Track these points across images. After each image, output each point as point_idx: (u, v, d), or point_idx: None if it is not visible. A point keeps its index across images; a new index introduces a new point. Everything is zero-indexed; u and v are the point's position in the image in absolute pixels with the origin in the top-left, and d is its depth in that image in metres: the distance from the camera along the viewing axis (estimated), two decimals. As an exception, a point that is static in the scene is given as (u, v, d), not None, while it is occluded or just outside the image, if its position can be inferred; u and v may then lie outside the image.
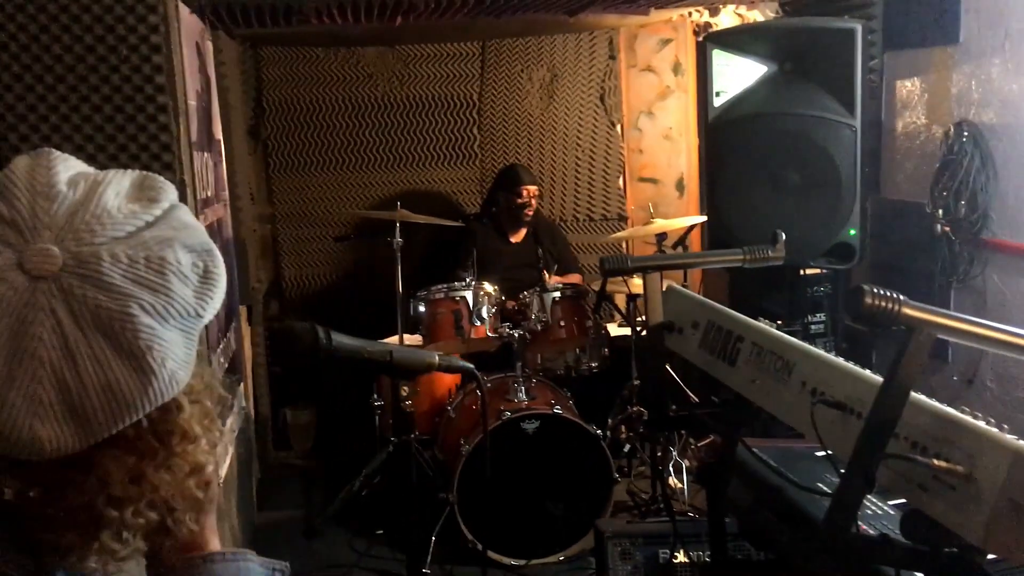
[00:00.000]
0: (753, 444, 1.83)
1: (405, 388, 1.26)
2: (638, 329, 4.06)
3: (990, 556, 1.48)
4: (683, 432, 4.14)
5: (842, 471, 1.27)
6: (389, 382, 4.11)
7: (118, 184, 0.83)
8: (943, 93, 3.59)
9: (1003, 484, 1.05)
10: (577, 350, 4.15)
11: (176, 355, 0.80)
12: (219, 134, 3.78)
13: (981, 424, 1.12)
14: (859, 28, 3.23)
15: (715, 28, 4.84)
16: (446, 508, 3.55)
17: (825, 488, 1.56)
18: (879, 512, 1.66)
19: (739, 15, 4.85)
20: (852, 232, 3.26)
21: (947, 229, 3.41)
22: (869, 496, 1.70)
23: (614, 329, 4.63)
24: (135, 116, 2.60)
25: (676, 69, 5.28)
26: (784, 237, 2.09)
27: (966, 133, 3.34)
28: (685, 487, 3.93)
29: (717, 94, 3.39)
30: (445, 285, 4.06)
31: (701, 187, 4.89)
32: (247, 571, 0.96)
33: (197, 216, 2.90)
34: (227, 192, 3.91)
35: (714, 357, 1.77)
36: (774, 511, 1.70)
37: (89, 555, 0.83)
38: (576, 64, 5.23)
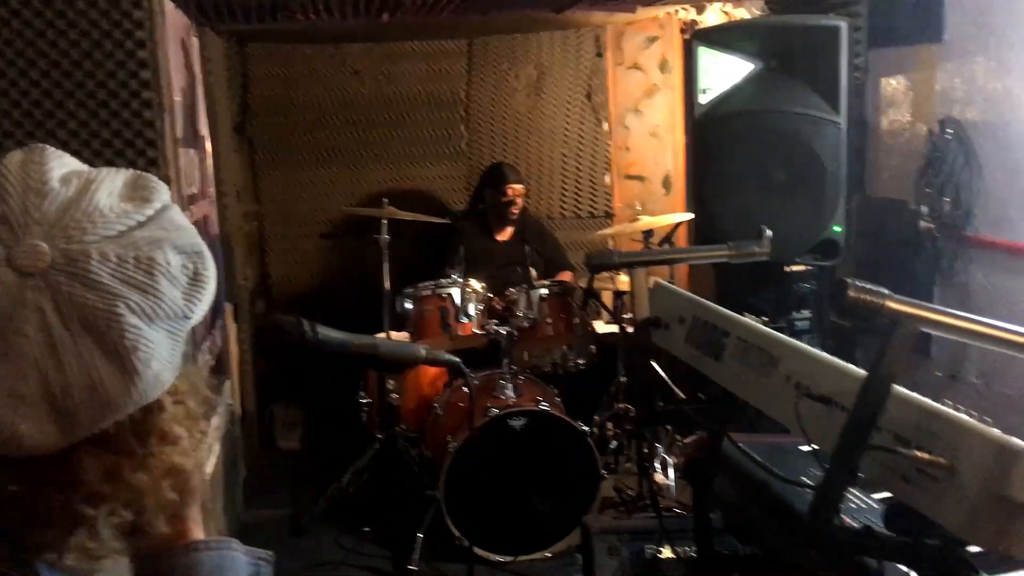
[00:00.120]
0: (739, 439, 1.84)
1: (391, 381, 1.26)
2: (625, 326, 4.07)
3: (974, 549, 1.50)
4: (670, 428, 4.16)
5: (826, 464, 1.28)
6: (376, 379, 4.12)
7: (111, 183, 0.83)
8: (928, 91, 3.62)
9: (986, 476, 1.06)
10: (564, 347, 4.15)
11: (162, 356, 0.80)
12: (205, 131, 3.76)
13: (964, 417, 1.13)
14: (844, 26, 3.25)
15: (701, 26, 4.85)
16: (433, 505, 3.55)
17: (809, 482, 1.57)
18: (864, 506, 1.67)
19: (725, 13, 4.87)
20: (837, 229, 3.28)
21: (931, 226, 3.43)
22: (854, 490, 1.71)
23: (601, 326, 4.64)
24: (119, 112, 2.58)
25: (663, 67, 5.29)
26: (770, 233, 2.10)
27: (950, 131, 3.37)
28: (672, 483, 3.94)
29: (703, 91, 3.41)
30: (432, 282, 4.06)
31: (688, 184, 4.91)
32: (231, 560, 0.96)
33: (183, 213, 2.89)
34: (213, 189, 3.90)
35: (700, 352, 1.78)
36: (759, 505, 1.71)
37: (66, 552, 0.82)
38: (563, 62, 5.23)
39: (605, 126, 5.30)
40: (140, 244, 0.80)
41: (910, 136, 3.74)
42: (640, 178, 5.42)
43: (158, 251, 0.80)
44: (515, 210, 4.55)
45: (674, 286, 2.03)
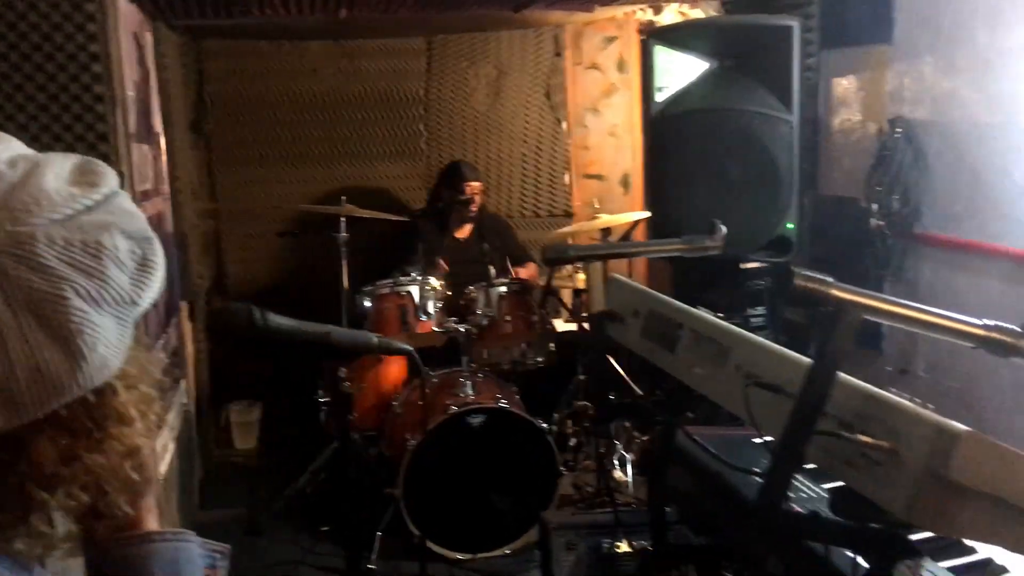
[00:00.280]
0: (694, 432, 1.86)
1: (344, 370, 1.26)
2: (584, 324, 4.10)
3: (923, 536, 1.54)
4: (628, 425, 4.19)
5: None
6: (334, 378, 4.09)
7: (58, 166, 0.82)
8: (878, 91, 3.69)
9: (926, 458, 1.09)
10: (523, 345, 4.16)
11: (108, 340, 0.79)
12: (159, 127, 3.72)
13: (905, 402, 1.16)
14: (796, 26, 3.30)
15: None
16: (392, 504, 3.54)
17: (759, 470, 1.60)
18: (814, 495, 1.70)
19: (682, 13, 4.92)
20: (790, 226, 3.33)
21: (881, 223, 3.50)
22: (805, 481, 1.75)
23: (560, 324, 4.66)
24: (70, 106, 2.55)
25: (621, 67, 5.33)
26: (723, 228, 2.13)
27: (899, 130, 3.44)
28: (630, 480, 3.96)
29: (659, 89, 3.44)
30: (391, 280, 4.04)
31: (646, 184, 4.95)
32: (186, 551, 0.96)
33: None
34: (167, 186, 3.85)
35: (654, 345, 1.81)
36: (712, 496, 1.74)
37: (16, 537, 0.82)
38: (522, 61, 5.25)
39: (564, 125, 5.32)
40: (87, 228, 0.79)
41: (861, 135, 3.81)
42: (599, 177, 5.46)
43: (106, 235, 0.79)
44: (474, 208, 4.55)
45: (629, 280, 2.05)
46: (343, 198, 4.16)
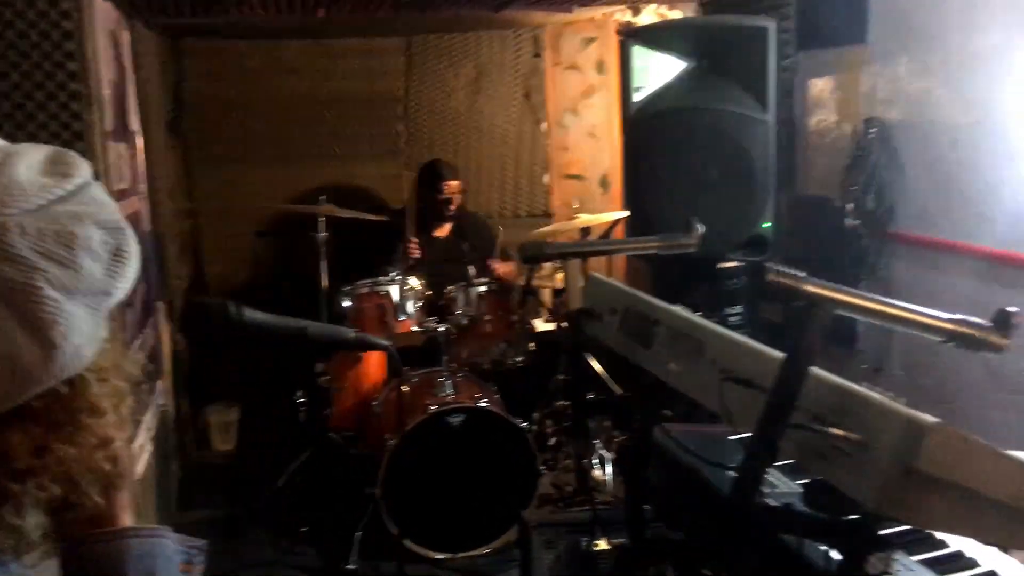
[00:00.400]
0: (672, 429, 1.88)
1: (320, 365, 1.26)
2: (563, 324, 4.11)
3: (896, 529, 1.56)
4: (608, 425, 4.20)
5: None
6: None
7: (30, 157, 0.82)
8: (853, 92, 3.72)
9: (896, 449, 1.10)
10: (503, 345, 4.16)
11: (82, 330, 0.79)
12: (136, 126, 3.70)
13: (875, 395, 1.18)
14: (772, 26, 3.33)
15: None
16: (372, 504, 3.53)
17: (735, 465, 1.61)
18: (788, 491, 1.72)
19: (660, 14, 4.95)
20: (766, 225, 3.36)
21: (856, 223, 3.53)
22: (781, 476, 1.77)
23: (540, 324, 4.66)
24: (46, 104, 2.54)
25: (600, 67, 5.36)
26: (700, 225, 2.15)
27: (874, 130, 3.47)
28: (609, 479, 3.98)
29: (637, 89, 3.46)
30: (370, 280, 4.04)
31: (625, 183, 4.97)
32: (161, 547, 0.95)
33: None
34: (145, 185, 3.83)
35: (631, 341, 1.82)
36: (688, 491, 1.75)
37: None
38: (501, 61, 5.26)
39: (543, 126, 5.34)
40: (60, 218, 0.79)
41: (836, 135, 3.85)
42: (578, 177, 5.48)
43: (78, 225, 0.79)
44: (452, 207, 4.55)
45: (606, 277, 2.06)
46: (322, 197, 4.15)
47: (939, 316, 1.31)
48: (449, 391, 3.72)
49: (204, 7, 3.94)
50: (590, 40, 5.34)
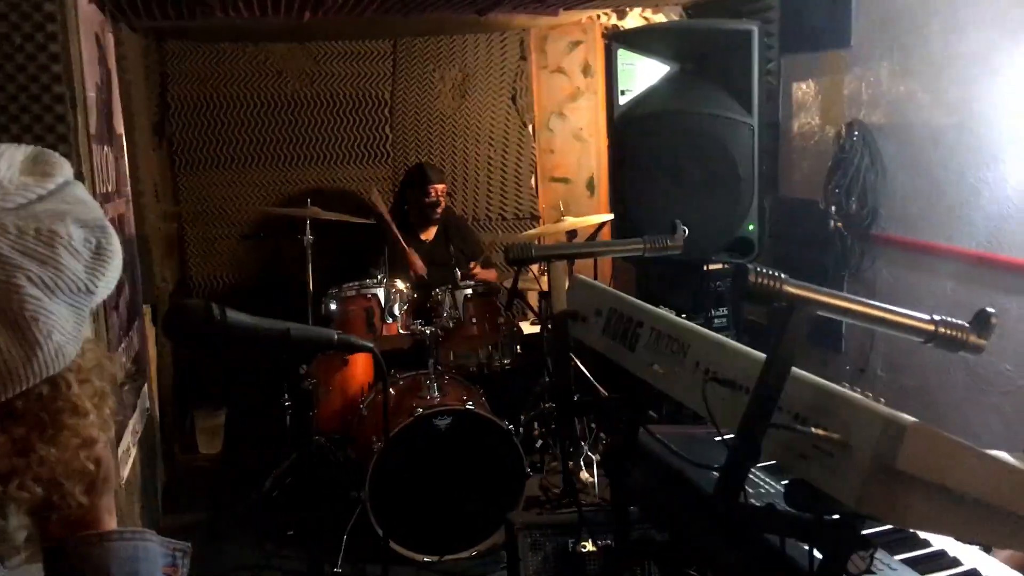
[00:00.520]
0: (657, 431, 1.88)
1: (304, 367, 1.26)
2: (549, 325, 4.11)
3: (879, 529, 1.57)
4: (594, 427, 4.21)
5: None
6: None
7: (11, 156, 0.82)
8: (836, 95, 3.75)
9: (875, 449, 1.11)
10: (490, 347, 4.17)
11: (64, 329, 0.79)
12: (120, 128, 3.68)
13: (855, 395, 1.19)
14: (755, 30, 3.35)
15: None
16: (358, 506, 3.53)
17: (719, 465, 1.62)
18: (772, 491, 1.73)
19: (645, 18, 4.98)
20: (751, 227, 3.38)
21: (839, 225, 3.56)
22: (765, 477, 1.78)
23: (527, 327, 4.67)
24: (29, 106, 2.52)
25: (586, 71, 5.38)
26: (684, 228, 2.16)
27: (856, 133, 3.50)
28: (595, 480, 3.99)
29: (622, 92, 3.48)
30: (357, 283, 4.04)
31: (610, 186, 4.99)
32: (146, 550, 0.95)
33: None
34: (129, 188, 3.81)
35: (616, 343, 1.82)
36: (674, 492, 1.76)
37: None
38: (488, 64, 5.27)
39: (530, 129, 5.35)
40: (41, 216, 0.79)
41: (820, 138, 3.88)
42: (565, 180, 5.49)
43: (59, 224, 0.79)
44: (439, 210, 4.56)
45: (591, 279, 2.07)
46: (308, 200, 4.15)
47: (918, 317, 1.32)
48: (436, 393, 3.72)
49: (189, 9, 3.93)
50: (576, 43, 5.36)
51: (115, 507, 0.96)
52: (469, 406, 3.61)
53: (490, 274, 4.67)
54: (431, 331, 3.93)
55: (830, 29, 3.71)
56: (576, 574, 2.25)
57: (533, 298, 4.50)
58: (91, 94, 2.90)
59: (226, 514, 3.89)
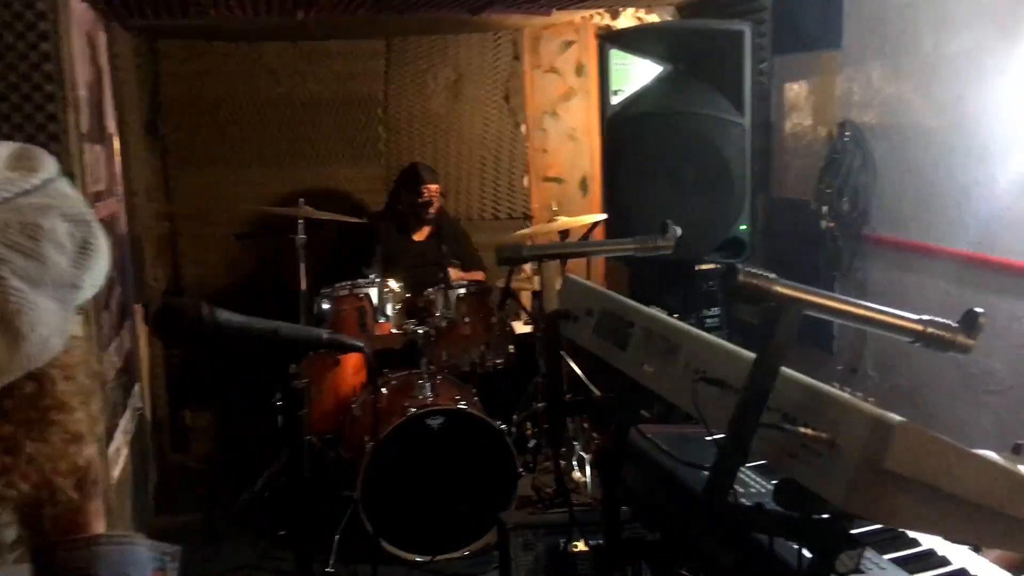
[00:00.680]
0: (648, 430, 1.89)
1: (294, 366, 1.26)
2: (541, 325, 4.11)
3: (868, 528, 1.58)
4: (587, 427, 4.21)
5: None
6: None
7: None
8: (828, 95, 3.76)
9: (863, 448, 1.12)
10: (482, 347, 4.17)
11: (49, 322, 0.79)
12: (113, 128, 3.68)
13: (843, 394, 1.19)
14: (747, 30, 3.36)
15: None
16: (351, 506, 3.53)
17: (708, 465, 1.62)
18: (763, 491, 1.73)
19: (638, 18, 4.98)
20: (743, 227, 3.39)
21: (831, 225, 3.57)
22: (756, 477, 1.78)
23: (519, 326, 4.67)
24: (21, 105, 2.52)
25: (579, 70, 5.38)
26: (676, 228, 2.16)
27: (848, 133, 3.51)
28: (588, 480, 3.99)
29: (615, 92, 3.48)
30: (349, 282, 4.03)
31: (603, 186, 4.99)
32: (133, 554, 0.95)
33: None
34: (121, 187, 3.81)
35: (607, 343, 1.83)
36: (664, 491, 1.76)
37: None
38: (481, 64, 5.27)
39: (523, 128, 5.35)
40: (25, 210, 0.79)
41: (811, 139, 3.88)
42: (558, 180, 5.50)
43: (43, 217, 0.79)
44: (432, 210, 4.56)
45: (582, 279, 2.07)
46: (301, 200, 4.14)
47: (907, 317, 1.33)
48: (428, 393, 3.72)
49: (181, 8, 3.92)
50: (569, 43, 5.36)
51: (104, 510, 0.96)
52: (462, 406, 3.61)
53: (478, 275, 4.67)
54: (424, 331, 3.93)
55: (822, 29, 3.72)
56: (568, 574, 2.25)
57: (526, 298, 4.50)
58: (83, 93, 2.90)
59: (218, 514, 3.88)
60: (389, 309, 3.98)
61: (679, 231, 2.30)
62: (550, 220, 4.31)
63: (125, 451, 3.30)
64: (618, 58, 3.50)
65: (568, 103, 5.43)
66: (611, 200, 3.65)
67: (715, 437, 1.75)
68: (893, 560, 1.56)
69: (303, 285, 4.09)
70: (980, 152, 3.05)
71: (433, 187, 4.55)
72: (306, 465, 3.65)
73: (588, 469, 4.01)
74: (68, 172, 2.56)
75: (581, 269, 4.46)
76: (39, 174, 0.82)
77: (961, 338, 1.33)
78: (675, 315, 1.85)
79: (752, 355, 1.36)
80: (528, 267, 4.19)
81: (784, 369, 1.27)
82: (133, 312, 3.87)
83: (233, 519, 3.84)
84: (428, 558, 3.57)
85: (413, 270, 4.42)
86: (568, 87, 5.41)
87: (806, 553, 1.30)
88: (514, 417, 4.24)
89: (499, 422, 3.66)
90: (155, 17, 4.06)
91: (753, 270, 1.24)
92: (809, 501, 1.22)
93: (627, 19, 5.04)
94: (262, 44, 4.99)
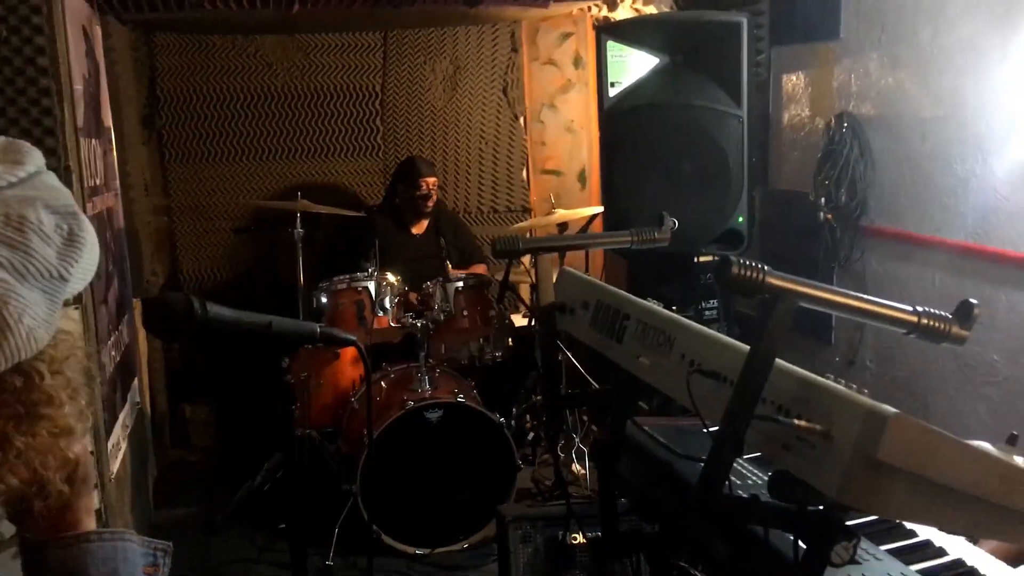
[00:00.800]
0: (645, 423, 1.89)
1: (286, 360, 1.26)
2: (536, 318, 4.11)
3: (865, 519, 1.58)
4: (586, 420, 4.22)
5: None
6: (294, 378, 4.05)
7: None
8: (825, 87, 3.76)
9: (856, 440, 1.11)
10: (481, 340, 4.17)
11: (35, 314, 0.78)
12: (109, 122, 3.67)
13: (837, 385, 1.19)
14: (744, 22, 3.35)
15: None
16: (350, 500, 3.53)
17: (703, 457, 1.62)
18: (760, 482, 1.73)
19: (636, 10, 4.96)
20: (740, 219, 3.38)
21: (829, 216, 3.57)
22: (752, 468, 1.79)
23: (518, 319, 4.68)
24: (16, 99, 2.51)
25: (577, 63, 5.37)
26: (672, 220, 2.16)
27: (845, 124, 3.51)
28: (587, 473, 4.00)
29: (612, 84, 3.47)
30: (347, 276, 4.03)
31: (601, 178, 4.99)
32: (124, 551, 0.95)
33: (84, 205, 2.82)
34: (118, 182, 3.80)
35: (603, 335, 1.82)
36: (661, 483, 1.76)
37: None
38: (479, 56, 5.25)
39: (521, 121, 5.34)
40: (10, 202, 0.79)
41: (809, 130, 3.88)
42: (556, 173, 5.49)
43: (29, 209, 0.79)
44: (430, 203, 4.55)
45: (578, 271, 2.07)
46: (299, 194, 4.14)
47: (901, 308, 1.32)
48: (427, 386, 3.73)
49: (177, 1, 3.91)
50: (567, 35, 5.35)
51: (99, 506, 0.96)
52: (460, 399, 3.61)
53: (479, 268, 4.67)
54: (422, 324, 3.93)
55: (819, 21, 3.71)
56: (566, 566, 2.26)
57: (525, 291, 4.50)
58: (79, 87, 2.89)
59: (217, 508, 3.89)
60: (387, 303, 3.97)
61: (675, 223, 2.30)
62: (548, 213, 4.31)
63: (124, 446, 3.30)
64: (615, 50, 3.49)
65: (566, 95, 5.42)
66: (609, 192, 3.65)
67: (712, 429, 1.76)
68: (890, 551, 1.56)
69: (301, 279, 4.09)
70: (977, 143, 3.04)
71: (430, 180, 4.54)
72: (305, 458, 3.66)
73: (587, 461, 4.02)
74: (64, 167, 2.57)
75: (580, 262, 4.46)
76: (25, 167, 0.82)
77: (956, 329, 1.33)
78: (673, 307, 1.85)
79: (747, 347, 1.36)
80: (527, 260, 4.19)
81: (779, 361, 1.27)
82: (131, 307, 3.87)
83: (232, 513, 3.85)
84: (427, 551, 3.58)
85: (411, 263, 4.42)
86: (566, 79, 5.40)
87: (802, 544, 1.30)
88: (513, 410, 4.25)
89: (498, 415, 3.67)
90: (151, 10, 4.05)
91: (746, 261, 1.24)
92: (804, 493, 1.22)
93: (625, 10, 5.03)
94: (259, 38, 4.98)
